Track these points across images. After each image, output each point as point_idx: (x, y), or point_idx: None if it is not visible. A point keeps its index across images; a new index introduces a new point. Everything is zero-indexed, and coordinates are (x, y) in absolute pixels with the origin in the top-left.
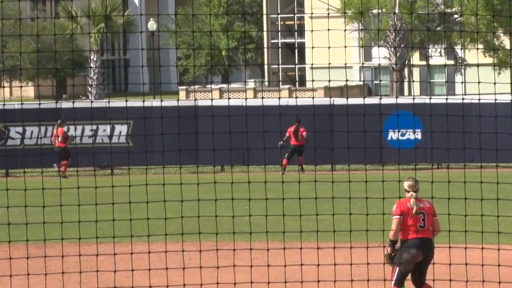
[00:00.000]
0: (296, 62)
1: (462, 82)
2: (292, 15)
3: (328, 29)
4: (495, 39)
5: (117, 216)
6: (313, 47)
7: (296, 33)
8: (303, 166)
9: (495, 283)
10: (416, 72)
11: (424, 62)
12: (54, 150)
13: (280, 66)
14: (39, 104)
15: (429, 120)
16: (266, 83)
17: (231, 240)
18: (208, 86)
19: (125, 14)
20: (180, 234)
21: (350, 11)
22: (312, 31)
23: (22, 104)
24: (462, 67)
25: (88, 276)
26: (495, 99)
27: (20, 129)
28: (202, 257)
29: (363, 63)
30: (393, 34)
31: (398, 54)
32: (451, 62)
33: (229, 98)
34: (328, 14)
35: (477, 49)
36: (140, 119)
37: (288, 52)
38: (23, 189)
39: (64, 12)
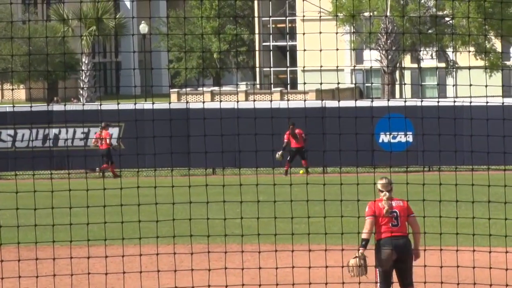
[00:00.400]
0: (288, 64)
1: (453, 85)
2: (284, 18)
3: (320, 32)
4: (486, 41)
5: (108, 218)
6: (304, 50)
7: (287, 36)
8: (308, 169)
9: (486, 286)
10: (407, 75)
11: (415, 65)
12: (98, 152)
13: (272, 69)
14: (31, 106)
15: (421, 122)
16: (258, 86)
17: (222, 242)
18: (200, 88)
19: (117, 16)
20: (172, 237)
21: (342, 14)
22: (303, 34)
23: (13, 106)
24: (454, 69)
25: (80, 279)
26: (487, 102)
27: (11, 131)
28: (194, 259)
29: (354, 66)
30: (385, 37)
31: (389, 56)
32: (443, 64)
33: (220, 101)
34: (320, 17)
35: (469, 51)
36: (131, 121)
37: (279, 55)
38: (15, 192)
39: (56, 15)
